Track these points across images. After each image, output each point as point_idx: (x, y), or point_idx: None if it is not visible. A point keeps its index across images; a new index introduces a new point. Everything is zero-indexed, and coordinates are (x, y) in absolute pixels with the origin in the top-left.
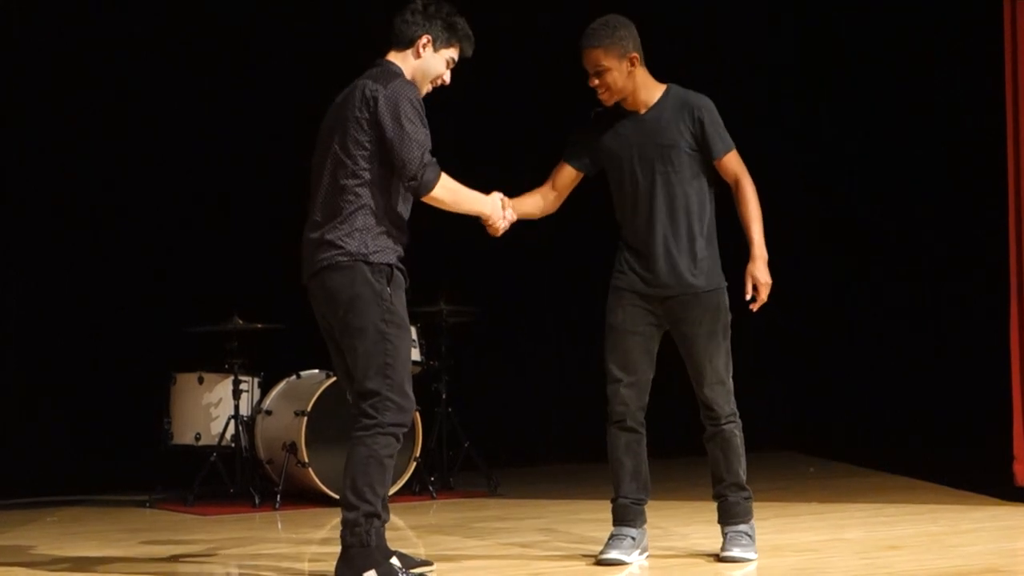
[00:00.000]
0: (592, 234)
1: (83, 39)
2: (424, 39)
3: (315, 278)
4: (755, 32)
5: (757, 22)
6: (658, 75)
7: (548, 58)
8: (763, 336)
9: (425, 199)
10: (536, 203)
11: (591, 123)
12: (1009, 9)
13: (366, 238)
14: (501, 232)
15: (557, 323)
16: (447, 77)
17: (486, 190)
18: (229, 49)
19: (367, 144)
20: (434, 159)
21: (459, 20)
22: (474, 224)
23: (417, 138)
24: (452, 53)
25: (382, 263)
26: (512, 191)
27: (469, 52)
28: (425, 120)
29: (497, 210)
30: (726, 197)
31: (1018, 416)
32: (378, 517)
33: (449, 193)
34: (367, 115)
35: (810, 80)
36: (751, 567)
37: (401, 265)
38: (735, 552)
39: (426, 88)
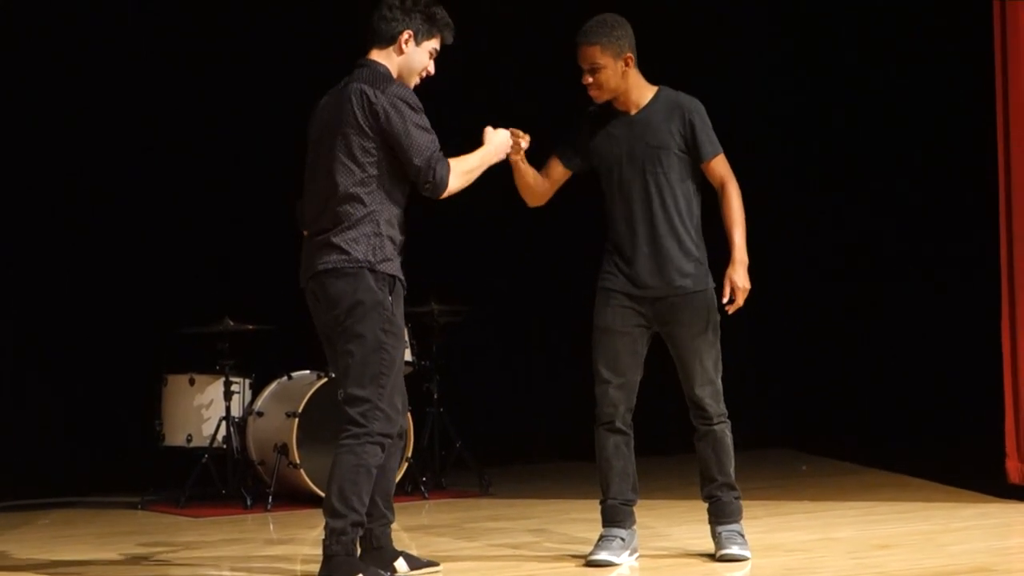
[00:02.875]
0: (582, 233)
1: (79, 41)
2: (406, 35)
3: (315, 280)
4: (750, 36)
5: (753, 26)
6: (655, 71)
7: (542, 50)
8: (755, 333)
9: (443, 196)
10: (536, 178)
11: (584, 122)
12: (999, 10)
13: (373, 246)
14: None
15: (547, 322)
16: (431, 68)
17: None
18: (223, 51)
19: (374, 151)
20: (441, 154)
21: (438, 9)
22: (464, 224)
23: (425, 142)
24: (435, 44)
25: (386, 273)
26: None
27: (450, 39)
28: (426, 118)
29: (504, 145)
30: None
31: (1009, 413)
32: (363, 526)
33: (462, 177)
34: (371, 122)
35: (802, 80)
36: (747, 566)
37: (401, 277)
38: (734, 550)
39: (414, 81)
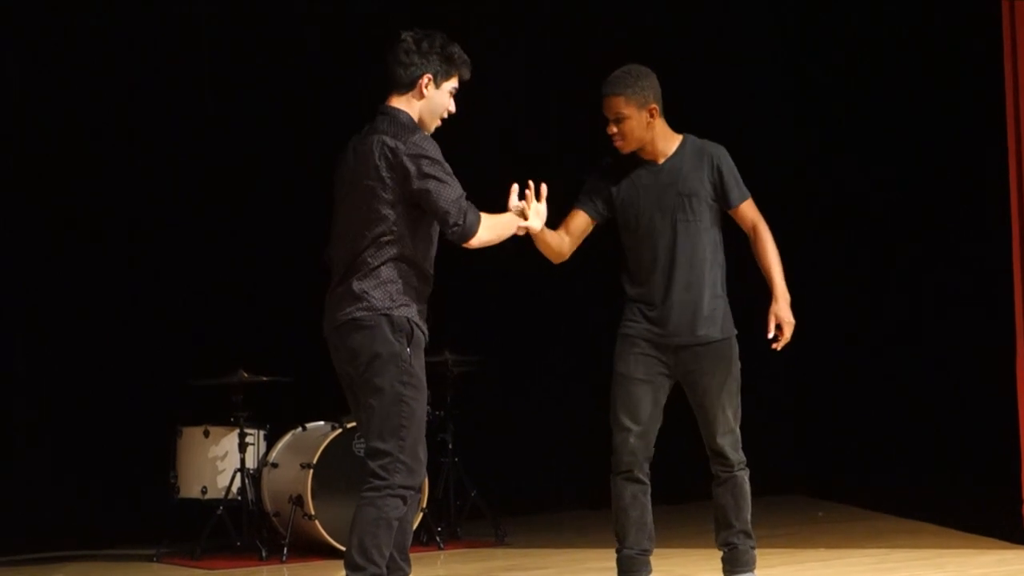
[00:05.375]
0: (596, 282)
1: (88, 103)
2: (425, 79)
3: (337, 332)
4: (753, 48)
5: (754, 27)
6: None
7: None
8: (769, 379)
9: (472, 243)
10: (556, 239)
11: (605, 171)
12: (1008, 11)
13: (391, 291)
14: (538, 227)
15: (562, 371)
16: (452, 107)
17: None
18: (236, 96)
19: (396, 203)
20: (470, 203)
21: (454, 48)
22: (478, 272)
23: (450, 192)
24: (454, 83)
25: (403, 317)
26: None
27: (468, 76)
28: (448, 167)
29: (518, 222)
30: (737, 246)
31: None
32: None
33: (491, 231)
34: (394, 175)
35: (804, 107)
36: None
37: (421, 323)
38: None
39: (436, 123)
